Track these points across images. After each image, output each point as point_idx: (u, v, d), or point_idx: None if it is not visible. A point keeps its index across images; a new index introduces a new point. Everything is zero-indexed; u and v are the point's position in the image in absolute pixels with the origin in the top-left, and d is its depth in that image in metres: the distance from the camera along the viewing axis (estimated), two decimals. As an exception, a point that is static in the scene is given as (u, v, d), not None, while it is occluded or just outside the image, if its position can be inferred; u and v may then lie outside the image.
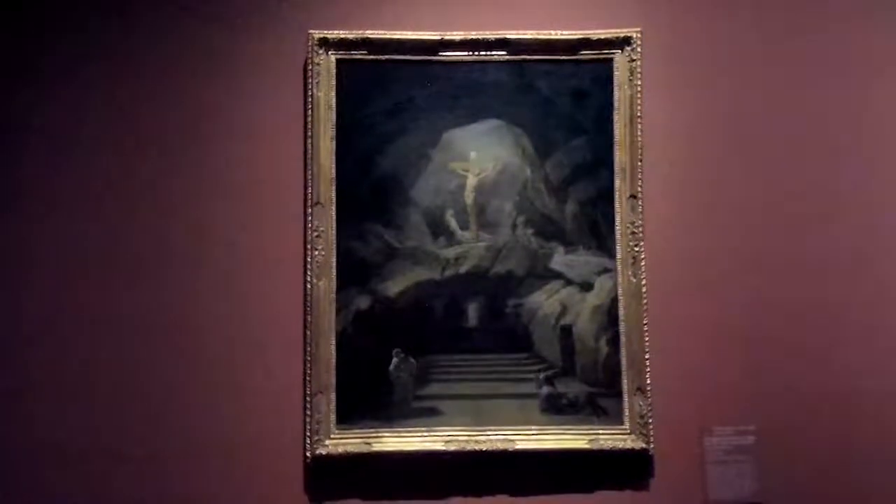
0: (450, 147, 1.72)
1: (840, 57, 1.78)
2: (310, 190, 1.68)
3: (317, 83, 1.69)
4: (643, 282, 1.69)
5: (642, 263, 1.70)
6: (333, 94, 1.69)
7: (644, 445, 1.65)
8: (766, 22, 1.78)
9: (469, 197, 1.72)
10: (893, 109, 1.78)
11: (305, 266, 1.67)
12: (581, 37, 1.72)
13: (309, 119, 1.69)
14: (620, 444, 1.65)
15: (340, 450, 1.63)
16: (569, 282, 1.71)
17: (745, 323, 1.71)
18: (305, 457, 1.64)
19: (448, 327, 1.68)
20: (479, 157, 1.72)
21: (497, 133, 1.72)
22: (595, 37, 1.72)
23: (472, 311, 1.70)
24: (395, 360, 1.67)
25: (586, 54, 1.72)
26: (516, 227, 1.72)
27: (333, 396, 1.64)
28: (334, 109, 1.69)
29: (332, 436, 1.64)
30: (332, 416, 1.64)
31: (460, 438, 1.64)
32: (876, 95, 1.78)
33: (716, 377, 1.70)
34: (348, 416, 1.64)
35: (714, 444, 1.68)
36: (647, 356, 1.68)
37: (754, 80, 1.77)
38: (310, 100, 1.69)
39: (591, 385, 1.68)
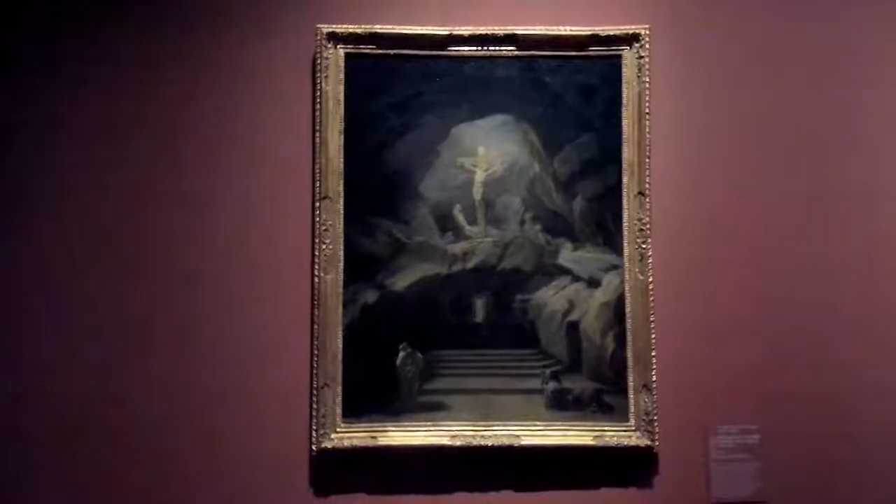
0: (458, 142, 1.72)
1: (849, 55, 1.77)
2: (318, 184, 1.68)
3: (325, 77, 1.69)
4: (650, 279, 1.69)
5: (649, 261, 1.69)
6: (342, 88, 1.69)
7: (649, 443, 1.65)
8: (775, 20, 1.77)
9: (477, 192, 1.72)
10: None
11: (313, 260, 1.68)
12: (590, 33, 1.71)
13: (317, 113, 1.69)
14: (625, 441, 1.65)
15: (346, 443, 1.63)
16: (576, 278, 1.71)
17: (752, 322, 1.71)
18: (311, 450, 1.64)
19: (455, 322, 1.69)
20: (488, 152, 1.72)
21: (505, 129, 1.72)
22: (604, 33, 1.71)
23: (480, 307, 1.70)
24: (401, 354, 1.67)
25: (595, 51, 1.72)
26: (524, 222, 1.72)
27: (340, 390, 1.64)
28: (343, 104, 1.69)
29: (337, 429, 1.64)
30: (338, 410, 1.64)
31: (466, 433, 1.64)
32: (887, 95, 1.77)
33: (721, 376, 1.70)
34: (354, 410, 1.65)
35: (718, 442, 1.68)
36: (653, 353, 1.67)
37: (763, 78, 1.76)
38: (318, 94, 1.69)
39: (597, 381, 1.68)
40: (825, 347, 1.71)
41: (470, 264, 1.71)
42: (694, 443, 1.67)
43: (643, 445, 1.65)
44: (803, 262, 1.73)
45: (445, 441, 1.64)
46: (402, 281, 1.69)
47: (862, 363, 1.70)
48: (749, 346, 1.70)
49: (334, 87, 1.69)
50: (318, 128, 1.69)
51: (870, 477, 1.68)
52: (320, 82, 1.69)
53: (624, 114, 1.71)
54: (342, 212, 1.68)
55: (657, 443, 1.65)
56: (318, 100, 1.69)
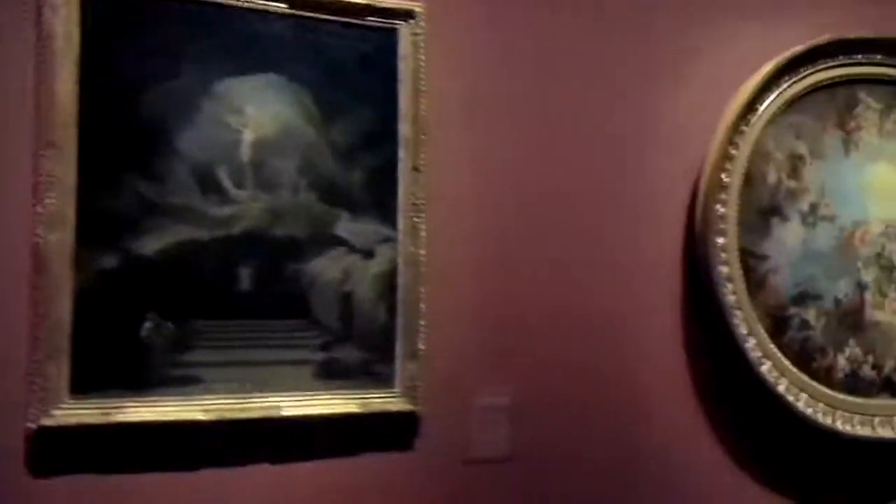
0: (224, 99, 1.59)
1: (625, 43, 1.90)
2: (41, 130, 1.46)
3: (52, 11, 1.45)
4: (422, 252, 1.74)
5: (422, 234, 1.74)
6: (76, 27, 1.48)
7: (412, 408, 1.70)
8: (549, 4, 1.86)
9: (245, 154, 1.62)
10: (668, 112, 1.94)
11: (33, 217, 1.46)
12: (365, 2, 1.70)
13: (43, 52, 1.45)
14: (390, 407, 1.68)
15: (73, 421, 1.44)
16: (352, 249, 1.69)
17: (513, 297, 1.81)
18: (27, 428, 1.44)
19: (217, 291, 1.57)
20: (258, 112, 1.63)
21: (277, 89, 1.64)
22: (379, 5, 1.71)
23: (245, 275, 1.60)
24: (148, 324, 1.52)
25: (372, 21, 1.71)
26: (299, 190, 1.66)
27: (67, 361, 1.45)
28: (78, 45, 1.48)
29: (61, 405, 1.44)
30: (65, 384, 1.44)
31: (221, 407, 1.54)
32: (663, 91, 1.92)
33: (483, 345, 1.80)
34: (86, 384, 1.46)
35: (475, 405, 1.79)
36: (421, 323, 1.72)
37: (536, 62, 1.84)
38: (43, 31, 1.45)
39: (367, 351, 1.68)
40: (574, 324, 1.85)
41: (236, 230, 1.60)
42: (454, 407, 1.76)
43: (406, 410, 1.70)
44: (566, 246, 1.85)
45: (198, 416, 1.52)
46: (151, 244, 1.53)
47: (599, 340, 1.87)
48: (509, 319, 1.82)
49: (66, 27, 1.47)
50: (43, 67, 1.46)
51: (601, 435, 1.86)
52: (45, 15, 1.45)
53: (400, 89, 1.73)
54: (75, 163, 1.47)
55: (419, 407, 1.71)
56: (44, 35, 1.45)
